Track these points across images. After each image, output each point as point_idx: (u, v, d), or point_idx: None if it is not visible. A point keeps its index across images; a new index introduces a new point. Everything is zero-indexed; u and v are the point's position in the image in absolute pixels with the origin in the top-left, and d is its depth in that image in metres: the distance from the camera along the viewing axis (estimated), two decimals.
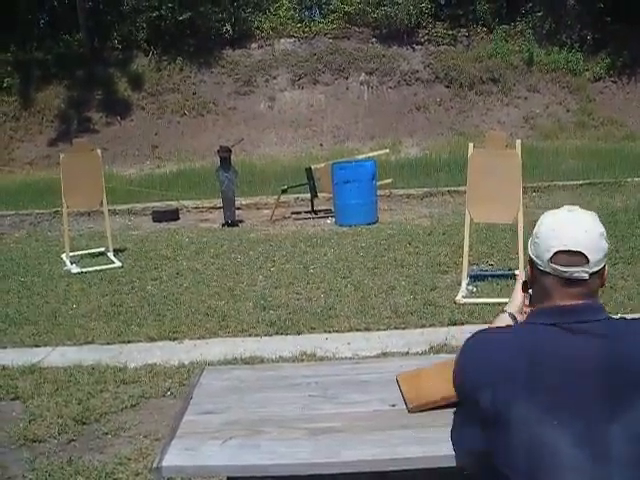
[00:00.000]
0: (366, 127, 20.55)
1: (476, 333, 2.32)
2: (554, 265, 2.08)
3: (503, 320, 2.53)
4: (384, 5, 22.26)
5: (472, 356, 2.23)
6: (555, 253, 2.07)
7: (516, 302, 2.56)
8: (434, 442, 2.45)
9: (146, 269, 9.18)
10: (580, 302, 2.08)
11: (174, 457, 2.46)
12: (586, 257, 2.05)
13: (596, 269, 2.08)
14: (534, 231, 2.20)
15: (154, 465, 2.44)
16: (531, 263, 2.20)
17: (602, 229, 2.12)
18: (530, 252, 2.19)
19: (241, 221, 12.65)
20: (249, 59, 22.15)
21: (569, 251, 2.05)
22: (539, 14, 22.31)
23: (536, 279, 2.18)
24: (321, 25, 22.85)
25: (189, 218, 13.50)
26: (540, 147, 17.85)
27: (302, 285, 8.02)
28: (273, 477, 2.42)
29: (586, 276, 2.06)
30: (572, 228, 2.10)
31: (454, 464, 2.38)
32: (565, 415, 1.93)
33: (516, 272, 7.59)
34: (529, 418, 1.95)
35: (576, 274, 2.06)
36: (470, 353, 2.26)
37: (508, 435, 1.97)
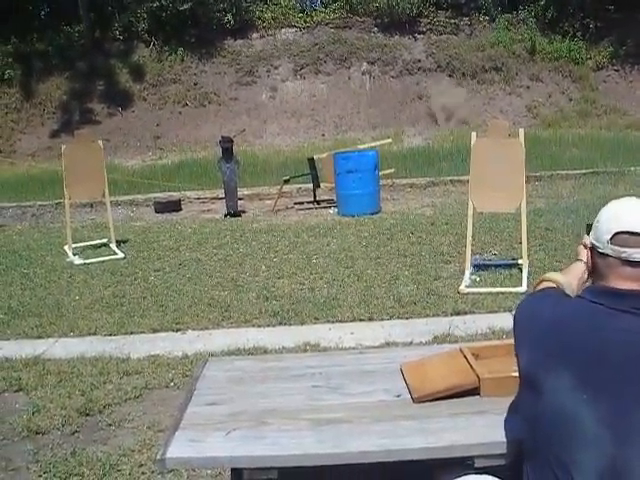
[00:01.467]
0: (368, 117, 20.50)
1: (537, 293, 2.41)
2: (613, 246, 2.10)
3: (578, 268, 2.54)
4: None
5: (522, 312, 2.29)
6: (615, 234, 2.10)
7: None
8: (439, 432, 2.45)
9: (149, 260, 9.17)
10: (633, 288, 2.08)
11: (178, 449, 2.45)
12: None
13: None
14: (596, 217, 2.23)
15: (158, 457, 2.43)
16: (591, 249, 2.23)
17: None
18: (591, 237, 2.23)
19: (243, 211, 12.63)
20: (250, 49, 22.09)
21: (629, 232, 2.08)
22: (541, 2, 22.22)
23: (595, 263, 2.21)
24: (323, 15, 22.77)
25: (191, 209, 13.49)
26: (543, 136, 17.79)
27: (305, 275, 8.01)
28: (277, 468, 2.42)
29: None
30: (633, 211, 2.13)
31: (458, 454, 2.38)
32: (595, 392, 1.95)
33: (519, 261, 7.58)
34: (559, 387, 1.98)
35: (634, 255, 2.07)
36: (523, 308, 2.32)
37: (537, 402, 2.02)
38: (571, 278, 2.52)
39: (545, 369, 2.02)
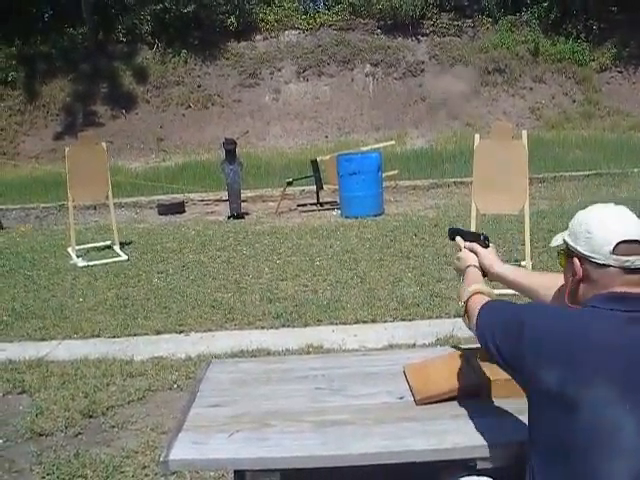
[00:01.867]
0: (371, 118, 20.51)
1: (540, 308, 2.37)
2: (617, 256, 2.09)
3: (477, 274, 2.61)
4: None
5: (538, 331, 2.16)
6: (617, 244, 2.09)
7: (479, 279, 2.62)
8: (441, 434, 2.45)
9: (152, 262, 9.18)
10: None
11: (181, 451, 2.45)
12: None
13: None
14: (580, 229, 2.19)
15: (161, 459, 2.43)
16: (580, 259, 2.19)
17: None
18: (580, 249, 2.18)
19: (247, 213, 12.64)
20: (254, 51, 22.11)
21: (630, 240, 2.08)
22: (544, 4, 22.22)
23: (589, 274, 2.18)
24: (326, 17, 22.79)
25: (195, 211, 13.50)
26: (546, 138, 17.80)
27: (308, 277, 8.01)
28: (280, 470, 2.42)
29: None
30: (625, 220, 2.14)
31: (460, 456, 2.38)
32: (635, 401, 1.95)
33: (522, 263, 7.57)
34: (599, 401, 1.96)
35: (637, 262, 2.08)
36: (537, 326, 2.18)
37: (573, 416, 1.99)
38: (485, 286, 2.55)
39: (581, 385, 1.99)
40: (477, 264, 2.66)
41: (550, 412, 2.06)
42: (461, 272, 2.74)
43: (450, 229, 2.93)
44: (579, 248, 2.19)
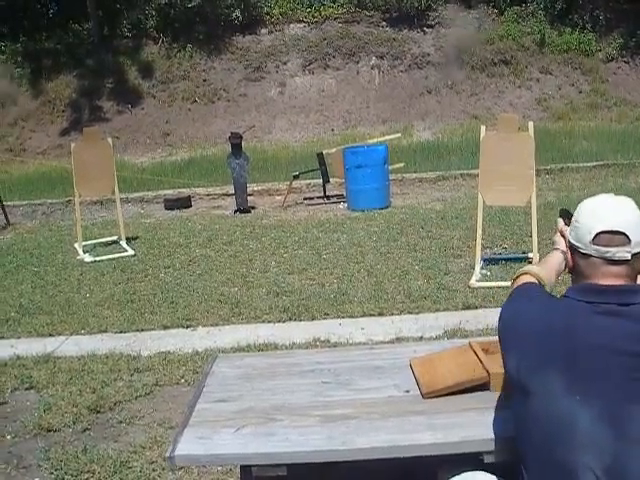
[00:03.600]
0: (377, 111, 20.45)
1: (524, 286, 2.37)
2: (596, 246, 2.09)
3: (555, 257, 2.54)
4: None
5: (509, 316, 2.25)
6: (597, 234, 2.09)
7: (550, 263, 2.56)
8: (448, 428, 2.44)
9: (159, 257, 9.19)
10: (618, 283, 2.08)
11: (187, 446, 2.45)
12: (628, 237, 2.07)
13: (637, 250, 2.09)
14: (573, 218, 2.22)
15: (167, 454, 2.43)
16: (571, 249, 2.21)
17: None
18: (570, 238, 2.20)
19: (253, 207, 12.63)
20: (259, 45, 22.06)
21: (610, 231, 2.07)
22: None
23: (577, 264, 2.19)
24: (331, 9, 22.70)
25: (201, 205, 13.49)
26: (553, 129, 17.73)
27: (315, 271, 8.00)
28: (286, 464, 2.41)
29: (628, 256, 2.08)
30: (612, 210, 2.12)
31: (467, 450, 2.37)
32: (588, 392, 1.95)
33: (529, 255, 7.56)
34: (551, 391, 1.97)
35: (618, 254, 2.07)
36: (509, 312, 2.27)
37: (527, 404, 2.01)
38: (549, 270, 2.51)
39: (535, 373, 2.02)
40: (564, 249, 2.51)
41: (515, 401, 2.11)
42: None
43: (561, 209, 2.83)
44: (570, 237, 2.20)
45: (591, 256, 2.11)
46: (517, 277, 2.49)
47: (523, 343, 2.09)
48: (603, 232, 2.07)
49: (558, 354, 2.00)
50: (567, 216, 2.67)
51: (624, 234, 2.06)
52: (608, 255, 2.08)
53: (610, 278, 2.08)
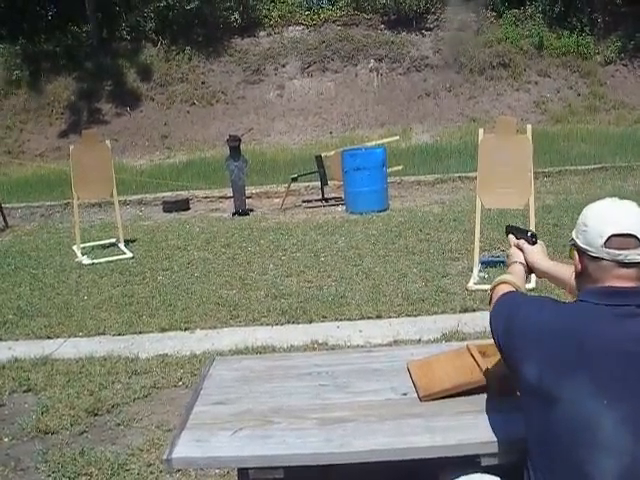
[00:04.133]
0: (376, 114, 20.47)
1: (511, 294, 2.41)
2: (608, 249, 2.09)
3: (520, 269, 2.64)
4: None
5: (522, 324, 2.21)
6: (609, 237, 2.09)
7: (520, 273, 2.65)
8: (446, 431, 2.44)
9: (157, 259, 9.18)
10: (631, 285, 2.09)
11: (184, 449, 2.45)
12: (639, 240, 2.08)
13: None
14: (579, 222, 2.22)
15: (164, 457, 2.43)
16: (579, 252, 2.20)
17: None
18: (578, 242, 2.20)
19: (251, 210, 12.63)
20: (258, 48, 22.08)
21: (622, 234, 2.08)
22: None
23: (586, 267, 2.19)
24: (329, 12, 22.75)
25: (199, 208, 13.49)
26: (551, 132, 17.75)
27: (313, 273, 8.01)
28: (283, 467, 2.41)
29: (639, 259, 2.09)
30: (621, 213, 2.13)
31: (465, 453, 2.37)
32: (614, 395, 1.95)
33: None
34: (580, 395, 1.97)
35: (630, 257, 2.08)
36: (520, 320, 2.23)
37: (550, 409, 2.01)
38: (521, 279, 2.59)
39: (562, 379, 2.01)
40: (523, 261, 2.67)
41: (533, 407, 2.09)
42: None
43: (507, 226, 2.98)
44: (578, 241, 2.20)
45: (602, 259, 2.11)
46: (495, 286, 2.52)
47: (545, 350, 2.07)
48: (615, 235, 2.08)
49: (585, 358, 2.00)
50: (514, 231, 2.78)
51: (635, 237, 2.07)
52: (620, 258, 2.08)
53: (622, 281, 2.09)
